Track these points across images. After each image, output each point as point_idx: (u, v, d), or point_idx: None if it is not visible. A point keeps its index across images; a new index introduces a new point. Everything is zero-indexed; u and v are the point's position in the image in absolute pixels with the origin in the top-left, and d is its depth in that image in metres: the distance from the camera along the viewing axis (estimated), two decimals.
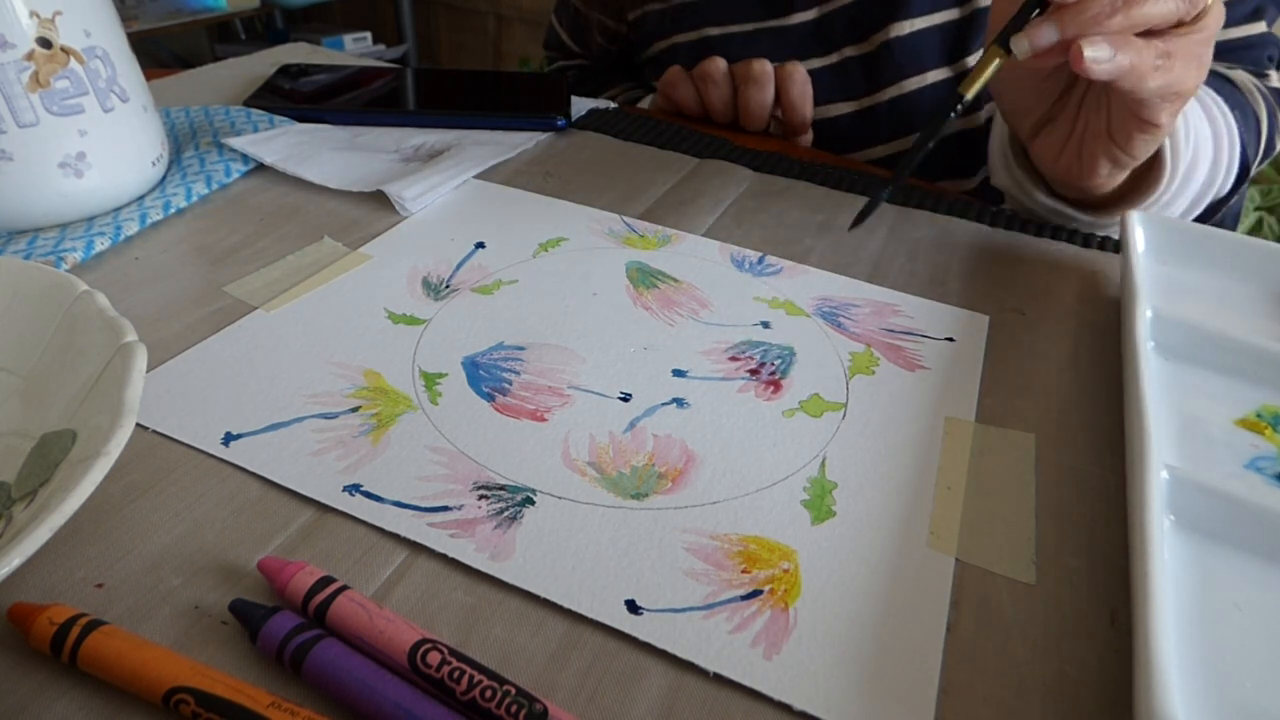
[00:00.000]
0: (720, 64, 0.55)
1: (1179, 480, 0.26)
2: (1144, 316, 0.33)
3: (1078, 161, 0.41)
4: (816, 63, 0.60)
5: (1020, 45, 0.34)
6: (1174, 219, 0.41)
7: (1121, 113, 0.38)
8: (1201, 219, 0.51)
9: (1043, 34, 0.34)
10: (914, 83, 0.58)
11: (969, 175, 0.61)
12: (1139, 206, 0.44)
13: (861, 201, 0.46)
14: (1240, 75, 0.54)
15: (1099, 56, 0.32)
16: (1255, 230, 1.36)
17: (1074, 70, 0.33)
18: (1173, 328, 0.34)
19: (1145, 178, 0.43)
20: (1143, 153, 0.39)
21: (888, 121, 0.60)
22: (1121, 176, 0.42)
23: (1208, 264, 0.40)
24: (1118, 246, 0.43)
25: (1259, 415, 0.31)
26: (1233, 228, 0.59)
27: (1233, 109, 0.49)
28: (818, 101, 0.57)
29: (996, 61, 0.35)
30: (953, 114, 0.36)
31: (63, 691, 0.19)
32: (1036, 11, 0.34)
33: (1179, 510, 0.26)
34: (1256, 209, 1.35)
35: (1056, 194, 0.46)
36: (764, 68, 0.54)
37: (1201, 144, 0.46)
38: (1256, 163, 0.52)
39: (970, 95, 0.35)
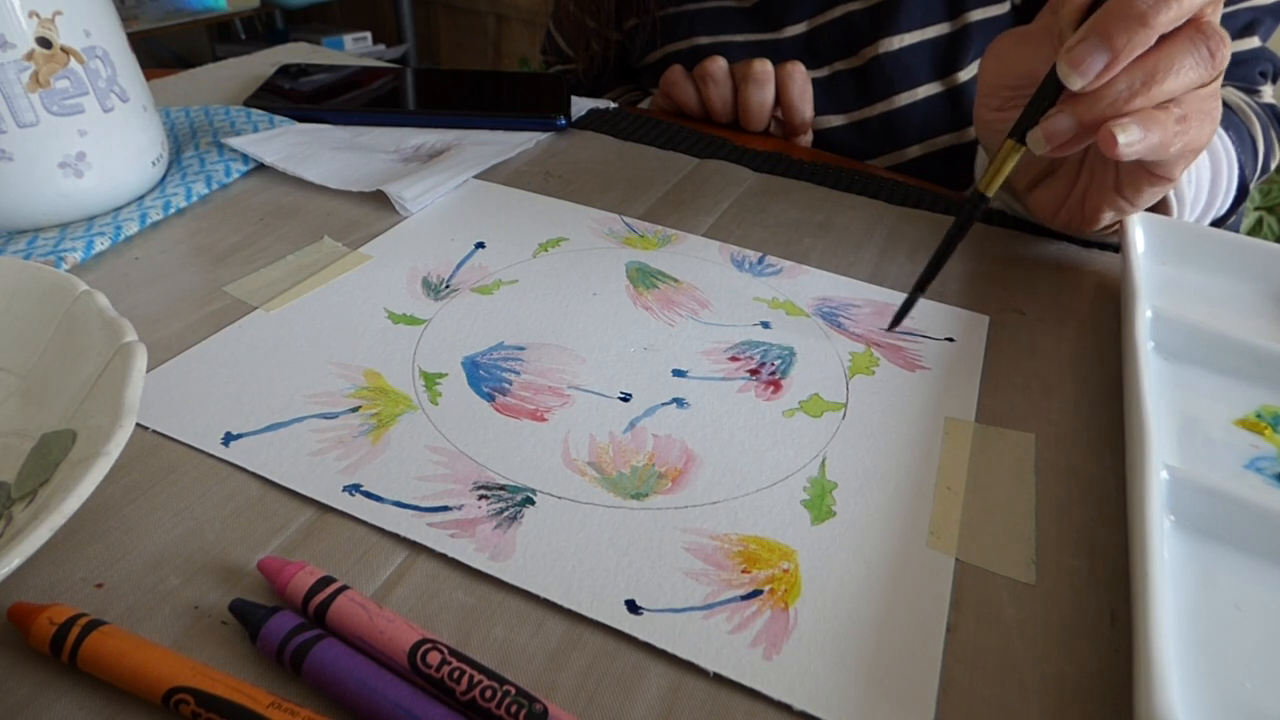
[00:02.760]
0: (721, 63, 0.55)
1: (1179, 480, 0.26)
2: (1144, 316, 0.33)
3: (1079, 213, 0.40)
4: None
5: (1037, 142, 0.32)
6: (1173, 220, 0.41)
7: (1133, 170, 0.37)
8: None
9: (1060, 126, 0.32)
10: (905, 97, 0.58)
11: (961, 189, 0.61)
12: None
13: (863, 202, 0.46)
14: (1229, 93, 0.53)
15: (1131, 140, 0.30)
16: (1255, 230, 1.36)
17: (1106, 155, 0.31)
18: (1173, 328, 0.34)
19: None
20: (1148, 203, 0.38)
21: (879, 135, 0.60)
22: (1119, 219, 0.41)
23: (1208, 264, 0.40)
24: (1118, 247, 0.43)
25: (1259, 415, 0.31)
26: None
27: (1227, 130, 0.48)
28: None
29: (1015, 156, 0.33)
30: (976, 214, 0.34)
31: (63, 691, 0.19)
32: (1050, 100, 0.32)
33: (1179, 510, 0.26)
34: (1256, 209, 1.35)
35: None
36: (764, 67, 0.54)
37: (1201, 172, 0.45)
38: (1254, 181, 0.52)
39: (992, 193, 0.33)
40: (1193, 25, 0.30)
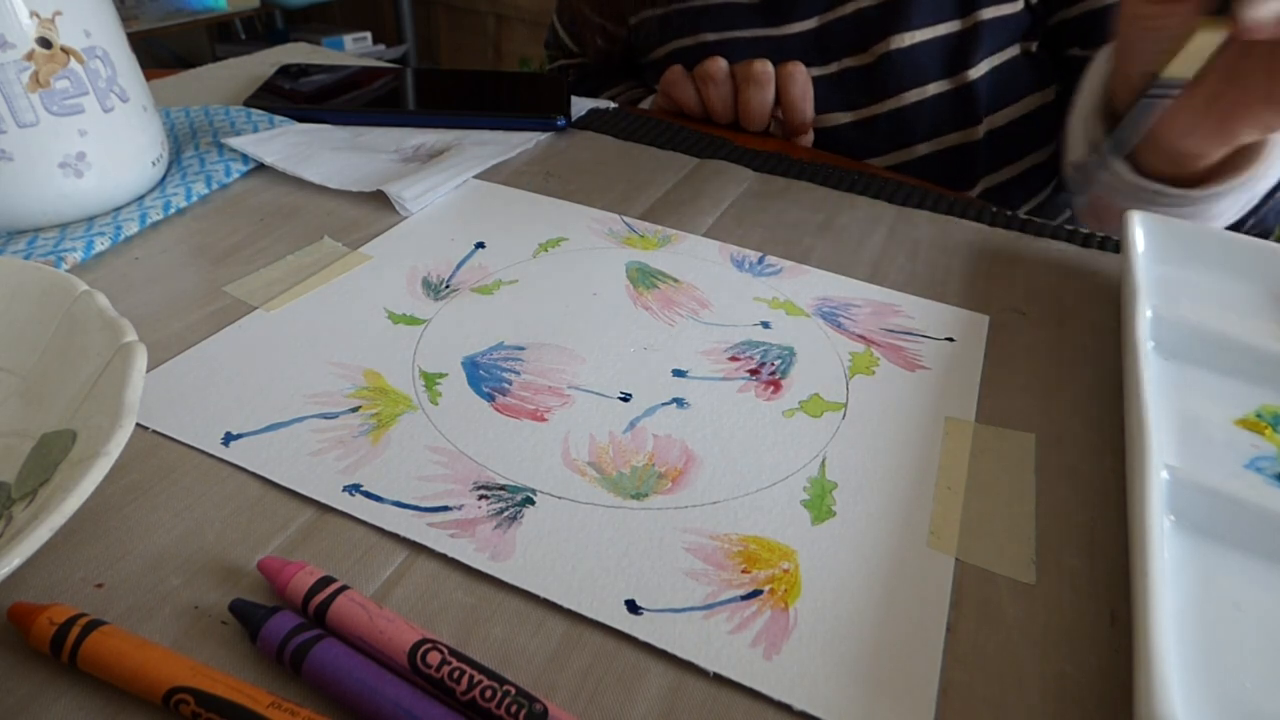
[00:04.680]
0: (721, 64, 0.55)
1: (1179, 480, 0.26)
2: (1144, 316, 0.33)
3: (1217, 131, 0.38)
4: (815, 72, 0.59)
5: (1258, 13, 0.27)
6: (1173, 220, 0.41)
7: None
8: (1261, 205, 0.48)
9: None
10: (913, 95, 0.58)
11: (968, 188, 0.61)
12: (1235, 180, 0.41)
13: (863, 202, 0.46)
14: None
15: None
16: None
17: None
18: (1173, 328, 0.34)
19: (1246, 151, 0.41)
20: None
21: (886, 133, 0.60)
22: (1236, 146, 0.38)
23: (1208, 264, 0.40)
24: (1118, 246, 0.43)
25: (1259, 415, 0.31)
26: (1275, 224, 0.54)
27: None
28: (815, 111, 0.57)
29: (1212, 36, 0.27)
30: (1155, 98, 0.31)
31: (63, 691, 0.19)
32: None
33: (1179, 510, 0.26)
34: None
35: (1144, 172, 0.44)
36: (765, 68, 0.54)
37: None
38: None
39: (1177, 74, 0.29)
40: None
